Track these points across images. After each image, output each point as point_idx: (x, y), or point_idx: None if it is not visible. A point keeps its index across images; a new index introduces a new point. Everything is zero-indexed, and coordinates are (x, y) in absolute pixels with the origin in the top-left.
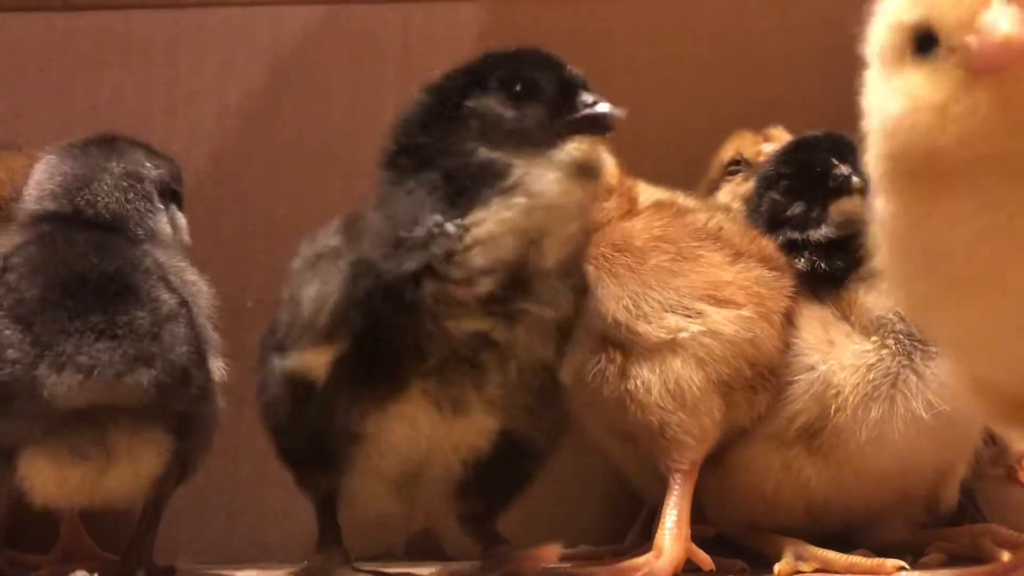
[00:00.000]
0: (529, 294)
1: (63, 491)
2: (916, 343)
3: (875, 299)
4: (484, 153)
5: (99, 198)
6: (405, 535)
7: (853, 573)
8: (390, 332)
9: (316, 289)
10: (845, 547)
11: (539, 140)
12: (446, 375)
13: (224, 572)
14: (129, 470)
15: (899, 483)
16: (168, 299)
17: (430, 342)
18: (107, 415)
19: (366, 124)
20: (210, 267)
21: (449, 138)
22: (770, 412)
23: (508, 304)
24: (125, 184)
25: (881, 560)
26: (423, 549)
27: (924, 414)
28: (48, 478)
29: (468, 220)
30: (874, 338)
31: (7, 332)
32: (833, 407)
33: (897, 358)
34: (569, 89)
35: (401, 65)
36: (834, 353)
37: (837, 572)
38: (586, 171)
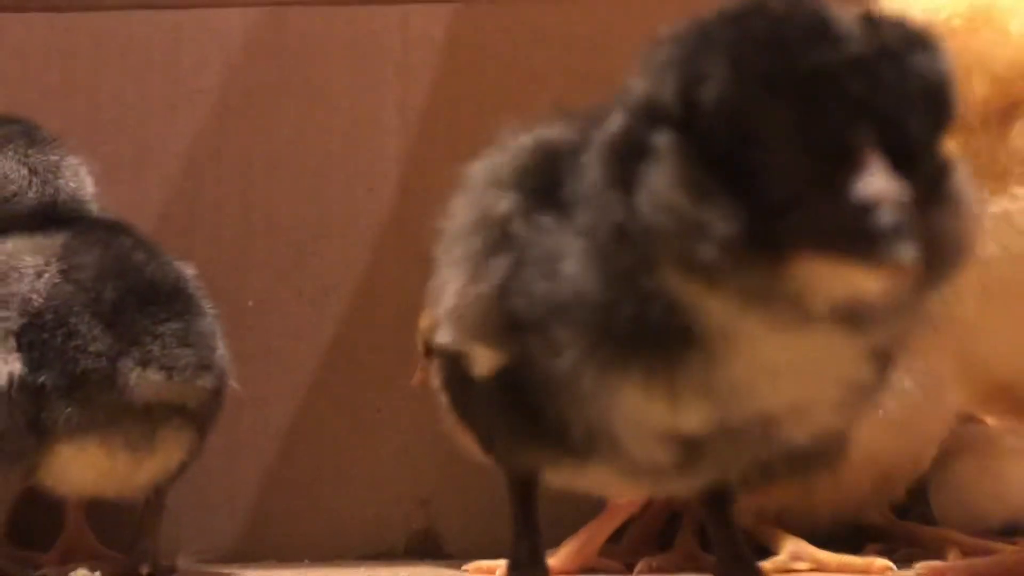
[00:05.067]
0: None
1: (101, 480)
2: None
3: None
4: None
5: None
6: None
7: (844, 573)
8: None
9: None
10: (851, 547)
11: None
12: None
13: (224, 572)
14: (160, 464)
15: (873, 469)
16: (210, 308)
17: None
18: (162, 412)
19: (366, 124)
20: (210, 267)
21: None
22: None
23: None
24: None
25: (870, 560)
26: (423, 549)
27: (885, 405)
28: (93, 465)
29: None
30: None
31: (91, 327)
32: None
33: None
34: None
35: (401, 65)
36: None
37: (830, 571)
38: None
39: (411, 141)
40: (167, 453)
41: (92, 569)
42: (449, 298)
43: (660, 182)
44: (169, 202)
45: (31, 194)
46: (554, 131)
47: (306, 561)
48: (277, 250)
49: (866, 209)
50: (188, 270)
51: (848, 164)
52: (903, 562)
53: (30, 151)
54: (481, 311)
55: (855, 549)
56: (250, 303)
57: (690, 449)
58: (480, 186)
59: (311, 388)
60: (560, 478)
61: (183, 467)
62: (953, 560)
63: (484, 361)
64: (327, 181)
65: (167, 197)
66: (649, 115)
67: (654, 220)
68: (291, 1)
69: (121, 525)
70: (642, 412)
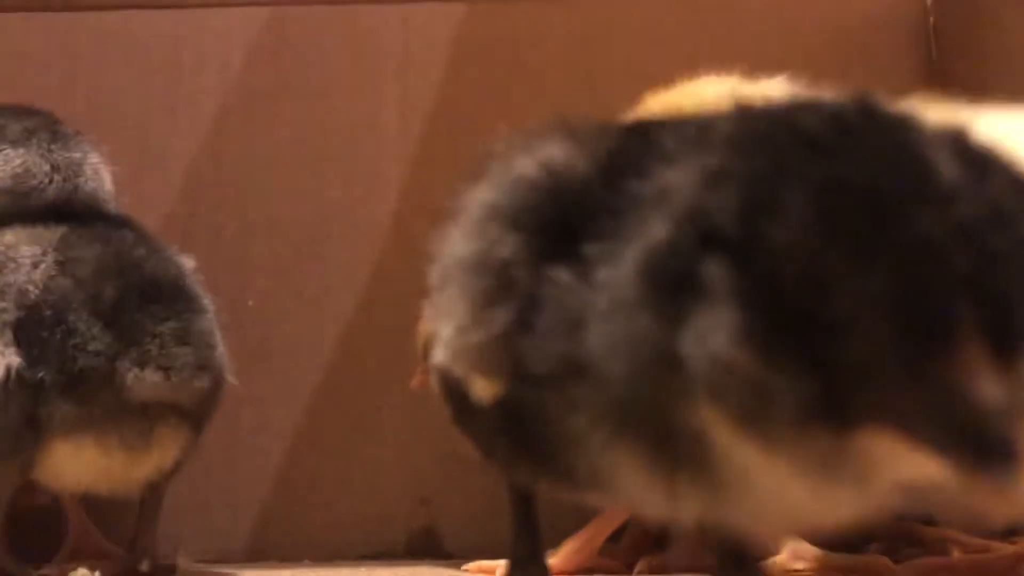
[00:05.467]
0: None
1: (96, 477)
2: None
3: None
4: None
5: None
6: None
7: (844, 572)
8: None
9: None
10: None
11: None
12: None
13: (224, 572)
14: (156, 462)
15: None
16: (210, 305)
17: None
18: (158, 412)
19: (366, 124)
20: (210, 267)
21: None
22: None
23: None
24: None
25: (870, 559)
26: (423, 548)
27: None
28: (89, 463)
29: None
30: None
31: (90, 325)
32: None
33: None
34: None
35: (401, 65)
36: None
37: (830, 571)
38: None
39: (411, 141)
40: (163, 451)
41: (92, 569)
42: (446, 331)
43: (717, 332)
44: (169, 202)
45: (51, 190)
46: (558, 156)
47: (306, 561)
48: (277, 250)
49: (975, 412)
50: (188, 263)
51: (945, 344)
52: (904, 562)
53: (53, 146)
54: (481, 353)
55: (856, 549)
56: (250, 303)
57: None
58: (479, 220)
59: (311, 388)
60: (559, 493)
61: (178, 465)
62: (957, 560)
63: (483, 389)
64: (327, 181)
65: (167, 197)
66: (698, 229)
67: (705, 373)
68: (291, 1)
69: (119, 524)
70: (641, 489)
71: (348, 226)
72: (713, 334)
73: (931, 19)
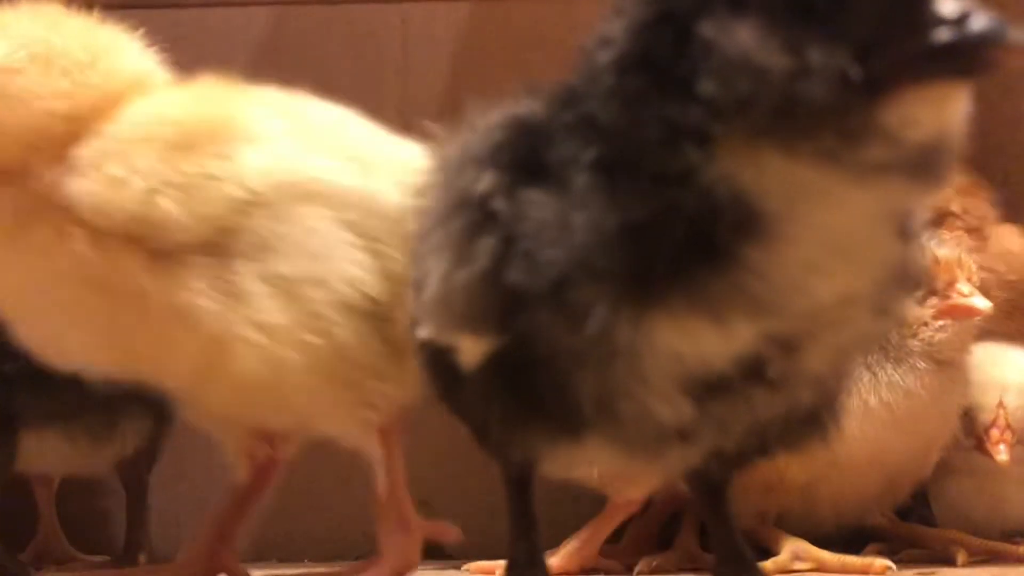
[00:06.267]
0: None
1: (60, 463)
2: (877, 347)
3: None
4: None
5: None
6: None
7: (845, 573)
8: None
9: None
10: (852, 548)
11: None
12: None
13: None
14: (116, 451)
15: (877, 473)
16: None
17: None
18: (122, 402)
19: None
20: None
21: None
22: None
23: None
24: None
25: (870, 560)
26: (423, 549)
27: (881, 409)
28: (55, 450)
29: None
30: None
31: None
32: None
33: None
34: None
35: (401, 65)
36: None
37: (830, 571)
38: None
39: (411, 141)
40: (123, 440)
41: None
42: (433, 287)
43: (745, 39)
44: None
45: None
46: (521, 108)
47: (306, 561)
48: None
49: (958, 23)
50: None
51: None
52: (906, 563)
53: None
54: (469, 296)
55: (856, 549)
56: None
57: (704, 399)
58: (454, 167)
59: None
60: (555, 462)
61: (143, 453)
62: (961, 561)
63: (471, 350)
64: None
65: None
66: None
67: (741, 73)
68: (291, 1)
69: (95, 529)
70: (685, 342)
71: None
72: (743, 42)
73: None
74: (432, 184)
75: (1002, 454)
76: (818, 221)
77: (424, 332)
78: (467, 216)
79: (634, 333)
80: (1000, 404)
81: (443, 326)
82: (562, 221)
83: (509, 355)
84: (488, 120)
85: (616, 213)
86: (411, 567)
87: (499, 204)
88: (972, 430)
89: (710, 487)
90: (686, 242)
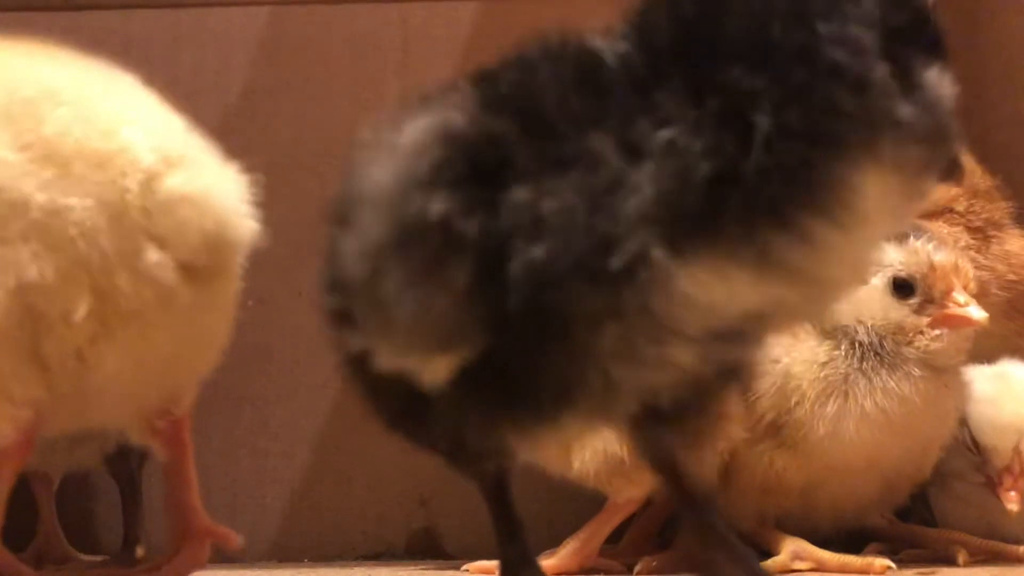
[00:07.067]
0: None
1: (38, 457)
2: (872, 353)
3: (843, 308)
4: None
5: None
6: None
7: (845, 572)
8: None
9: None
10: (852, 548)
11: None
12: None
13: (224, 572)
14: (98, 445)
15: (875, 476)
16: None
17: None
18: None
19: (366, 124)
20: None
21: None
22: (747, 407)
23: None
24: None
25: (870, 560)
26: (423, 549)
27: (877, 414)
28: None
29: None
30: (831, 341)
31: None
32: (793, 400)
33: (847, 361)
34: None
35: (401, 65)
36: (796, 347)
37: (830, 571)
38: None
39: None
40: (105, 434)
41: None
42: (404, 318)
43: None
44: None
45: None
46: (438, 119)
47: (306, 561)
48: (277, 250)
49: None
50: None
51: None
52: (906, 563)
53: None
54: (451, 318)
55: (856, 550)
56: (250, 303)
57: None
58: (391, 193)
59: (311, 388)
60: (530, 451)
61: (132, 448)
62: (962, 561)
63: (443, 368)
64: (327, 180)
65: None
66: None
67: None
68: (291, 1)
69: (94, 530)
70: (725, 294)
71: None
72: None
73: None
74: (363, 214)
75: (1013, 503)
76: (882, 217)
77: (389, 362)
78: (429, 243)
79: (685, 280)
80: (1017, 450)
81: (417, 352)
82: (610, 188)
83: (485, 360)
84: (414, 139)
85: (709, 161)
86: (196, 568)
87: (463, 224)
88: (983, 468)
89: (666, 462)
90: (761, 201)
